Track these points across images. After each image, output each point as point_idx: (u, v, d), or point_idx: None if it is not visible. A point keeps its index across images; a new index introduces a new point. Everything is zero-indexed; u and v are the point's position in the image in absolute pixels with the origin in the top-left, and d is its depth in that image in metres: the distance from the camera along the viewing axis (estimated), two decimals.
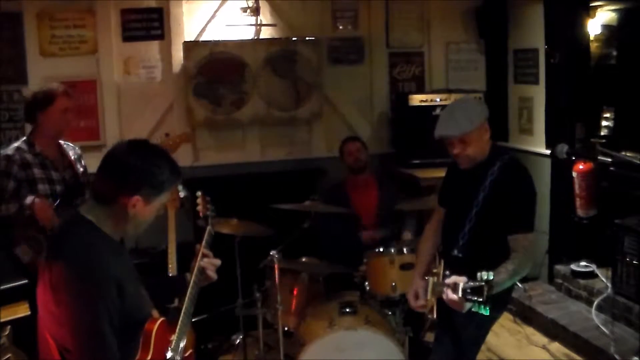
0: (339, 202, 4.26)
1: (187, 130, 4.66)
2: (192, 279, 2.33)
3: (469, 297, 2.36)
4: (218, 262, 2.41)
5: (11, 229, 3.29)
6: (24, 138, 3.46)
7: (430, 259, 3.06)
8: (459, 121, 2.74)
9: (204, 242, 2.45)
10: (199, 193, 3.02)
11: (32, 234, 3.23)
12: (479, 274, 2.35)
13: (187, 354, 2.21)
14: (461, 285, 2.40)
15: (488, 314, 2.36)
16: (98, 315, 1.82)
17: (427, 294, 2.90)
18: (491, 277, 2.33)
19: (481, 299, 2.31)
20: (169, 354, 2.06)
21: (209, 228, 2.61)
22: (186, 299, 2.25)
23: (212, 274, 2.37)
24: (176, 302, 2.57)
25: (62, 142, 3.58)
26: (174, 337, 2.12)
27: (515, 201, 2.73)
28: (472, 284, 2.37)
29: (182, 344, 2.16)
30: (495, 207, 2.74)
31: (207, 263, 2.36)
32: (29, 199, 3.22)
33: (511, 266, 2.62)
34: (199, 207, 2.97)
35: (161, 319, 2.06)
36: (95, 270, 1.85)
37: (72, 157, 3.56)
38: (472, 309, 2.38)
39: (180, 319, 2.19)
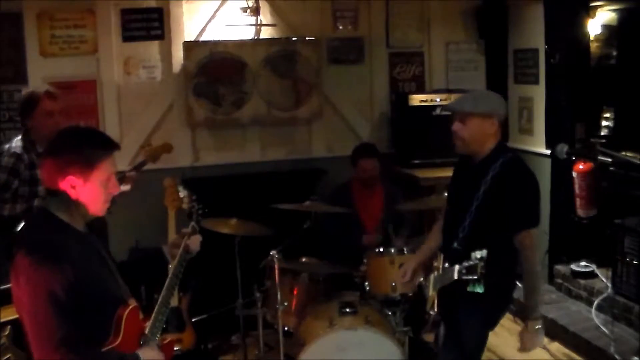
0: (342, 202, 4.25)
1: (168, 141, 4.35)
2: (171, 270, 2.39)
3: (465, 277, 2.46)
4: (199, 236, 2.54)
5: (15, 228, 3.29)
6: (22, 136, 3.48)
7: (433, 250, 3.10)
8: (467, 100, 2.86)
9: (186, 237, 2.50)
10: (186, 192, 3.03)
11: None
12: (472, 254, 2.46)
13: (165, 342, 2.26)
14: (457, 268, 2.52)
15: (482, 291, 2.46)
16: (47, 296, 1.89)
17: (414, 277, 3.06)
18: (485, 255, 2.44)
19: (476, 277, 2.42)
20: (143, 340, 2.13)
21: (192, 224, 2.64)
22: (164, 288, 2.31)
23: (194, 248, 2.50)
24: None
25: None
26: (148, 324, 2.19)
27: (517, 198, 2.75)
28: (466, 264, 2.48)
29: (158, 332, 2.21)
30: (496, 202, 2.76)
31: (192, 240, 2.47)
32: (37, 202, 3.32)
33: (529, 265, 2.75)
34: (184, 205, 2.97)
35: (133, 305, 2.11)
36: (46, 254, 1.93)
37: None
38: (468, 289, 2.45)
39: (157, 307, 2.25)
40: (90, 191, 2.04)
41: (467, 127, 2.81)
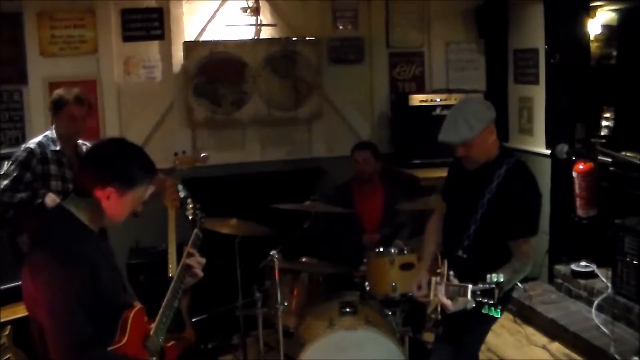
0: (343, 202, 4.25)
1: (204, 152, 4.39)
2: (177, 273, 2.43)
3: (479, 299, 2.38)
4: (203, 260, 2.52)
5: (18, 217, 3.44)
6: (48, 132, 3.65)
7: (435, 253, 3.06)
8: (460, 127, 2.73)
9: (190, 243, 2.55)
10: (189, 200, 3.05)
11: (35, 224, 3.30)
12: (488, 276, 2.38)
13: (169, 344, 2.31)
14: (470, 287, 2.43)
15: (499, 316, 2.38)
16: (69, 295, 1.93)
17: (429, 290, 2.91)
18: (501, 279, 2.35)
19: (492, 301, 2.34)
20: (147, 342, 2.17)
21: (196, 231, 2.66)
22: (168, 291, 2.34)
23: (198, 272, 2.48)
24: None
25: (80, 142, 3.75)
26: (153, 326, 2.23)
27: (520, 206, 2.74)
28: (482, 285, 2.39)
29: (162, 334, 2.25)
30: (501, 210, 2.74)
31: (193, 261, 2.46)
32: (42, 190, 3.42)
33: (512, 267, 2.66)
34: (188, 212, 3.00)
35: (138, 306, 2.17)
36: (69, 255, 1.98)
37: None
38: (483, 311, 2.40)
39: (161, 309, 2.28)
40: (120, 205, 2.13)
41: (472, 149, 2.78)
